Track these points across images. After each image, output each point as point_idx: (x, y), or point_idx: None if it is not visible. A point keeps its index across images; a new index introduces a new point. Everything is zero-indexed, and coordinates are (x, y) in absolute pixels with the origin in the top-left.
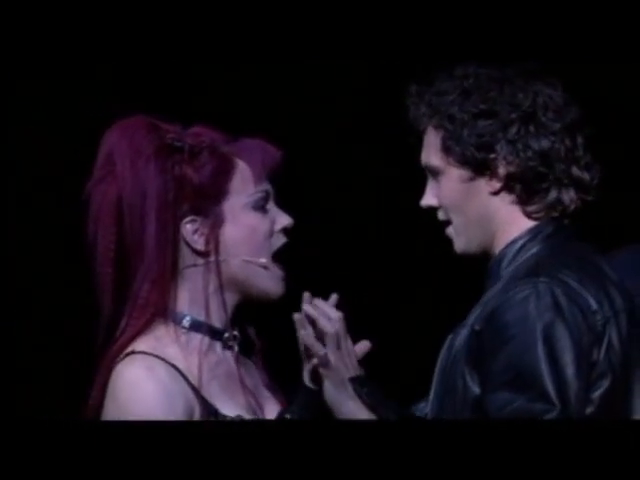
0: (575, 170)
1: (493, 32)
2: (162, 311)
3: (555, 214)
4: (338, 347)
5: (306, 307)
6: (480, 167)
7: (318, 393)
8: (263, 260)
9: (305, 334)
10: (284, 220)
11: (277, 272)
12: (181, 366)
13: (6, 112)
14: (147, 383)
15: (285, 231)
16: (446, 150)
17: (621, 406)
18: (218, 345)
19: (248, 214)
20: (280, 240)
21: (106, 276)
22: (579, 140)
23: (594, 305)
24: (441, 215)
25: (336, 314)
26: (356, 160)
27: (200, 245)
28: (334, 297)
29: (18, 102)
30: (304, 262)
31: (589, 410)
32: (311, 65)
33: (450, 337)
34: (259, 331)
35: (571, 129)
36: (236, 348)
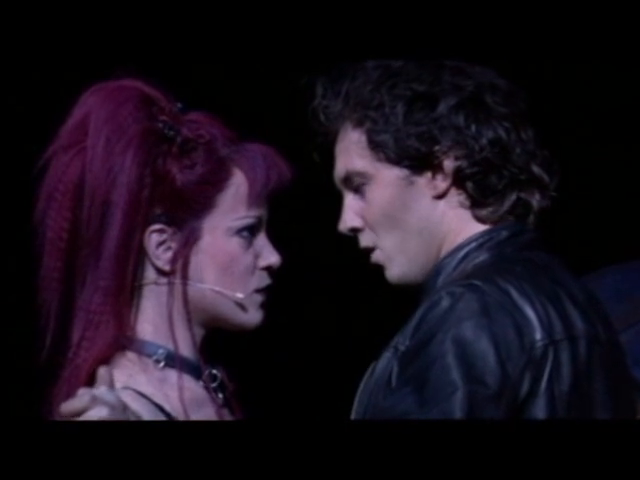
0: (534, 167)
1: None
2: (123, 336)
3: (514, 219)
4: None
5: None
6: (421, 163)
7: None
8: (240, 295)
9: None
10: (271, 257)
11: (255, 300)
12: (167, 407)
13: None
14: None
15: (269, 270)
16: (375, 147)
17: None
18: (199, 384)
19: (229, 239)
20: (263, 280)
21: (54, 270)
22: (530, 133)
23: (535, 323)
24: (365, 240)
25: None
26: None
27: (163, 262)
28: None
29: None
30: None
31: None
32: None
33: (373, 363)
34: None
35: (521, 119)
36: (220, 395)
